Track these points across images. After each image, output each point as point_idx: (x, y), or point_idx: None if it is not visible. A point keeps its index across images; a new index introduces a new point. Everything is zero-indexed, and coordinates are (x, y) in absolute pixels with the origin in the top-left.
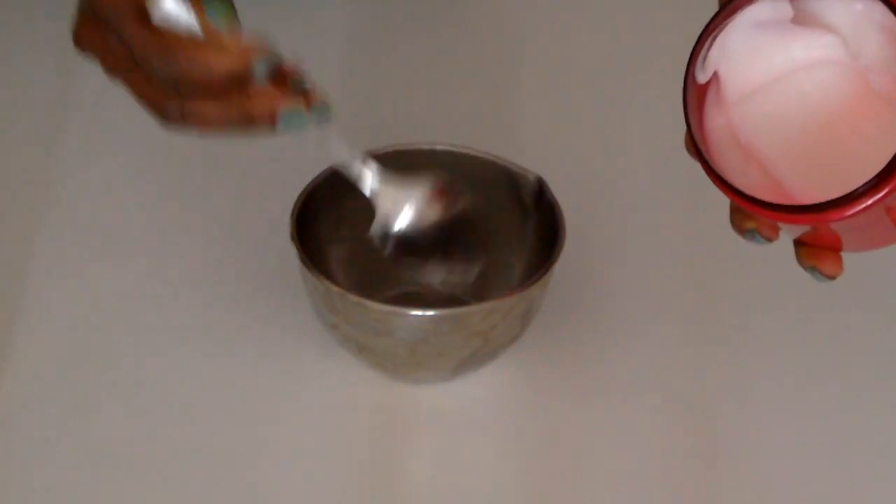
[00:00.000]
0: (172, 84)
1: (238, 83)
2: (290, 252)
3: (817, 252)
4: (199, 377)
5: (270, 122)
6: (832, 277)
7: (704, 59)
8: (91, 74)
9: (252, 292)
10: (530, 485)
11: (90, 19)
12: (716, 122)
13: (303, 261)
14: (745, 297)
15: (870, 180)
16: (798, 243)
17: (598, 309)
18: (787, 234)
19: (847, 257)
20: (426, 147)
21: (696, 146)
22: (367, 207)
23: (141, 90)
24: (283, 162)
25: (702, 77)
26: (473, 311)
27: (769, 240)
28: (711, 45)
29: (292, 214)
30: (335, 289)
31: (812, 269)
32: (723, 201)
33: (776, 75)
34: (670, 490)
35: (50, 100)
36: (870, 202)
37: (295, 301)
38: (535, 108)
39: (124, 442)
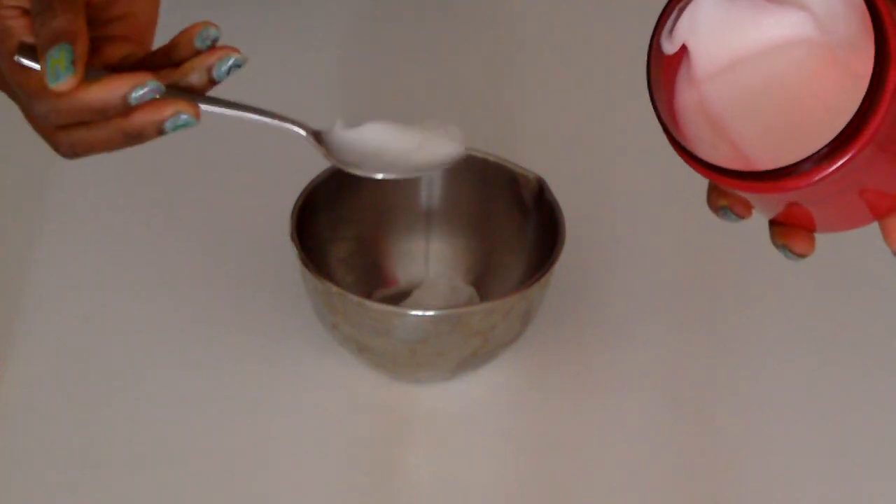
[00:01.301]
0: (51, 120)
1: (115, 112)
2: (290, 252)
3: (789, 230)
4: (200, 377)
5: (158, 133)
6: (802, 256)
7: (671, 30)
8: None
9: (252, 292)
10: (530, 484)
11: None
12: (686, 97)
13: (303, 261)
14: (744, 297)
15: (829, 144)
16: (772, 223)
17: (599, 308)
18: (761, 210)
19: (847, 256)
20: None
21: (660, 118)
22: (367, 207)
23: (34, 127)
24: (283, 162)
25: (669, 48)
26: (473, 311)
27: (741, 217)
28: (679, 16)
29: (292, 214)
30: (335, 289)
31: (783, 248)
32: None
33: (748, 52)
34: (670, 489)
35: None
36: (831, 169)
37: (295, 301)
38: (535, 108)
39: (124, 441)
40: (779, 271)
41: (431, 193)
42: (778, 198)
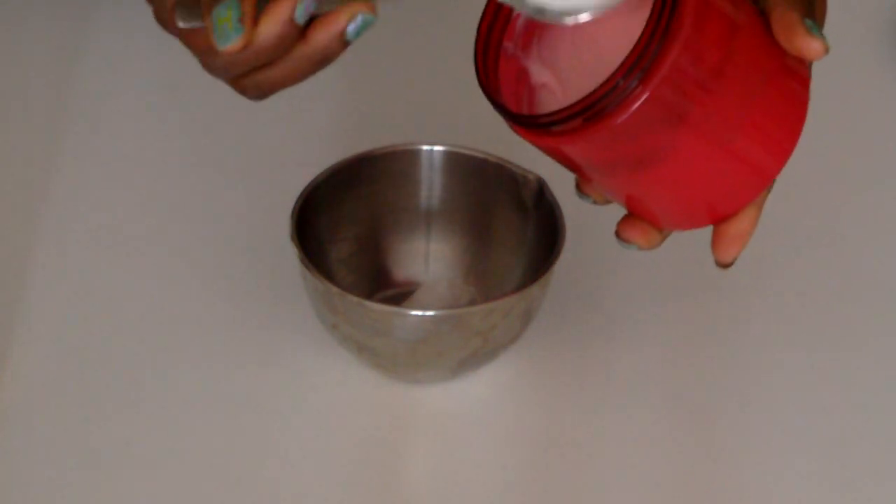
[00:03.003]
0: (229, 72)
1: (290, 40)
2: (290, 252)
3: (630, 221)
4: (200, 377)
5: (342, 46)
6: (641, 245)
7: None
8: (91, 73)
9: (252, 292)
10: (530, 484)
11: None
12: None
13: (303, 261)
14: (744, 297)
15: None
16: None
17: (599, 309)
18: (602, 187)
19: (849, 256)
20: (426, 147)
21: (478, 69)
22: (367, 207)
23: (213, 76)
24: (283, 162)
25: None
26: (473, 311)
27: (587, 194)
28: None
29: (292, 214)
30: (335, 289)
31: (622, 240)
32: None
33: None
34: (670, 489)
35: (50, 99)
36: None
37: (295, 301)
38: None
39: (123, 441)
40: (780, 271)
41: (431, 193)
42: (585, 156)
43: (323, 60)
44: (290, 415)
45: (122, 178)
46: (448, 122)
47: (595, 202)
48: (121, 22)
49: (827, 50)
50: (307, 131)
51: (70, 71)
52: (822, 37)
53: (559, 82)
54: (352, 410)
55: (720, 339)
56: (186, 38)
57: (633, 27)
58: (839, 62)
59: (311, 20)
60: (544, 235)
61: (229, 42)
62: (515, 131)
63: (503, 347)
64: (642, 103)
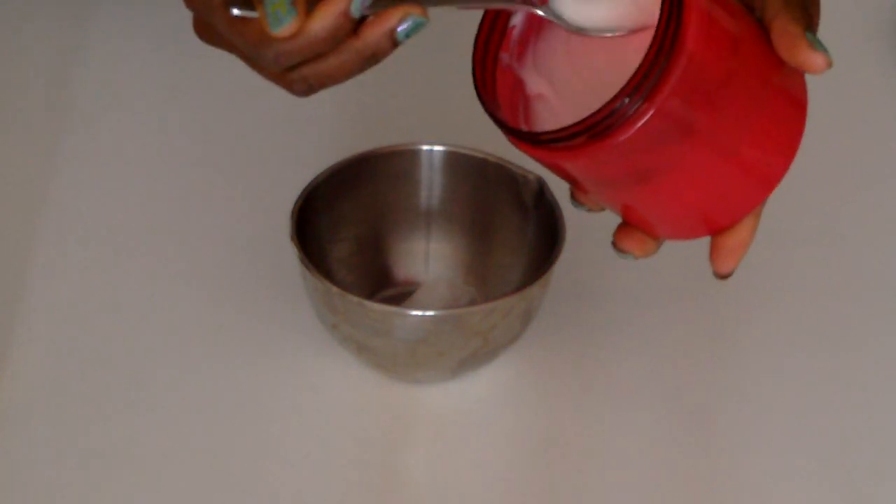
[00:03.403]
0: (280, 64)
1: (343, 33)
2: (290, 252)
3: (626, 231)
4: (199, 377)
5: (392, 46)
6: (637, 255)
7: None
8: (91, 73)
9: (252, 292)
10: (530, 484)
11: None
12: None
13: (303, 261)
14: (744, 297)
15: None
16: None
17: (598, 308)
18: (598, 196)
19: (849, 257)
20: (426, 147)
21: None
22: (367, 207)
23: (263, 74)
24: (283, 162)
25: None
26: (473, 311)
27: (580, 202)
28: None
29: (292, 214)
30: (335, 289)
31: (619, 250)
32: None
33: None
34: (670, 490)
35: (50, 99)
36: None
37: (295, 301)
38: None
39: (123, 441)
40: (780, 271)
41: (431, 193)
42: (582, 171)
43: (372, 57)
44: (290, 415)
45: (122, 178)
46: (448, 122)
47: (590, 210)
48: (121, 22)
49: (830, 64)
50: (307, 131)
51: (70, 71)
52: (825, 50)
53: (555, 93)
54: (352, 410)
55: (720, 339)
56: (238, 30)
57: (627, 38)
58: (839, 62)
59: (364, 19)
60: (544, 235)
61: (283, 25)
62: (513, 143)
63: (503, 347)
64: (647, 121)
